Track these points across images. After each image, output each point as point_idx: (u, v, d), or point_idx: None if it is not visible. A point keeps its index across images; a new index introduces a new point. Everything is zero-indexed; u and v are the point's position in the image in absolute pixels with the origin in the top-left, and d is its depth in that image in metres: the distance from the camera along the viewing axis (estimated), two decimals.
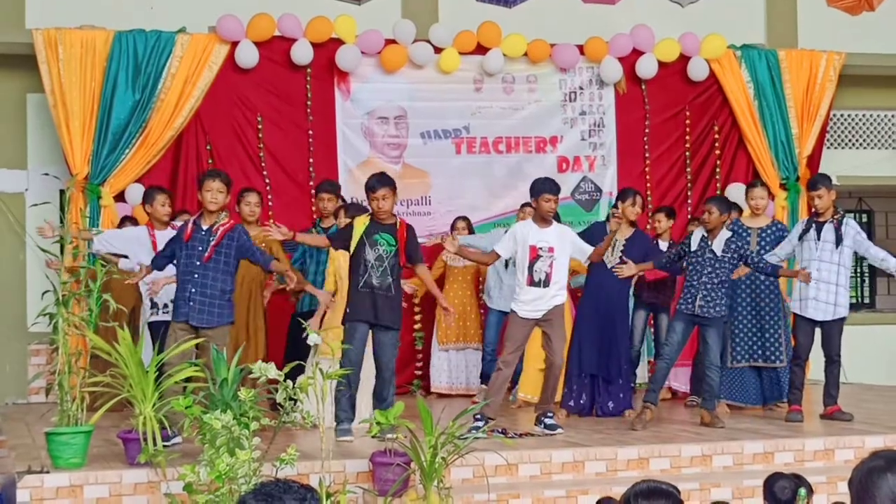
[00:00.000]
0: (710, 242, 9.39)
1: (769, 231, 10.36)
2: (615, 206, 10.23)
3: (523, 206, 11.44)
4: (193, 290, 8.32)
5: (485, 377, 11.53)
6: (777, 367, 10.29)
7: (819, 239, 9.62)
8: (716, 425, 9.15)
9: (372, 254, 8.66)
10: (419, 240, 12.17)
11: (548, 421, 9.00)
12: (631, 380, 10.46)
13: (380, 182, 8.74)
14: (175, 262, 8.53)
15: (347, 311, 8.70)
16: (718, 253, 9.37)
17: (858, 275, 15.49)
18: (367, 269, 8.65)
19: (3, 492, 8.51)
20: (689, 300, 9.36)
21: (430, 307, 12.11)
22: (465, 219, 11.85)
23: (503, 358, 9.15)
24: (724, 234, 9.47)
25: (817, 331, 9.77)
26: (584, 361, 10.05)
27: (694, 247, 9.42)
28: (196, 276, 8.33)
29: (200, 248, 8.38)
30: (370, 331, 8.72)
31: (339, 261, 9.39)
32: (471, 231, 11.77)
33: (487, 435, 7.88)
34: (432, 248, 11.63)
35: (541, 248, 9.10)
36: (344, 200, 11.01)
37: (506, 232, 9.75)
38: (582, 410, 10.11)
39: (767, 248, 10.20)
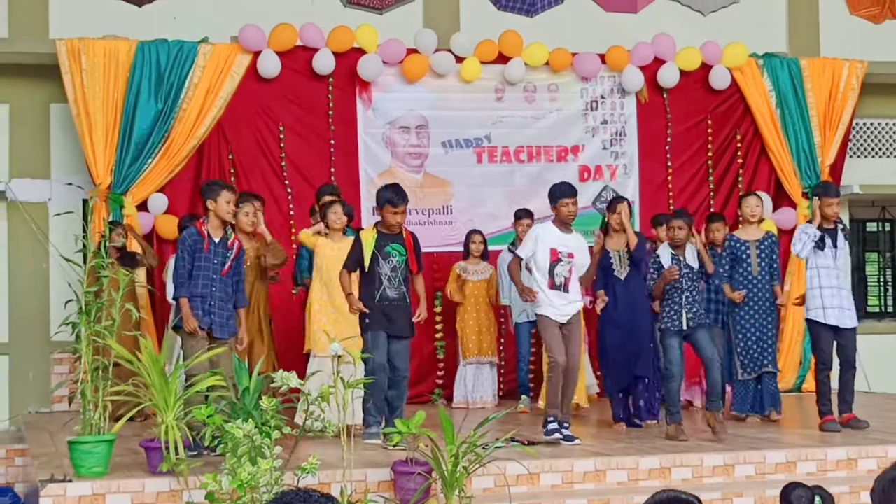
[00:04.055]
0: (682, 258, 9.36)
1: (766, 243, 10.35)
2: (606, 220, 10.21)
3: (518, 218, 11.38)
4: (213, 302, 8.34)
5: (524, 388, 11.48)
6: (774, 371, 10.30)
7: (835, 246, 9.63)
8: (720, 431, 8.97)
9: (386, 266, 8.64)
10: (440, 249, 12.30)
11: (565, 431, 8.92)
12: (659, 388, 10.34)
13: (400, 197, 8.67)
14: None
15: (367, 321, 8.66)
16: (695, 266, 9.37)
17: (881, 284, 15.39)
18: (383, 282, 8.62)
19: (26, 500, 8.54)
20: (675, 318, 9.27)
21: (451, 318, 12.08)
22: (479, 232, 11.77)
23: (553, 362, 8.89)
24: (691, 246, 9.47)
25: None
26: (620, 376, 9.94)
27: (668, 265, 9.35)
28: (214, 289, 8.35)
29: (217, 262, 8.39)
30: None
31: (324, 255, 9.52)
32: (485, 244, 11.71)
33: (506, 444, 7.84)
34: (448, 256, 11.66)
35: (561, 252, 9.00)
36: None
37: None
38: (635, 420, 10.01)
39: (766, 260, 10.22)
